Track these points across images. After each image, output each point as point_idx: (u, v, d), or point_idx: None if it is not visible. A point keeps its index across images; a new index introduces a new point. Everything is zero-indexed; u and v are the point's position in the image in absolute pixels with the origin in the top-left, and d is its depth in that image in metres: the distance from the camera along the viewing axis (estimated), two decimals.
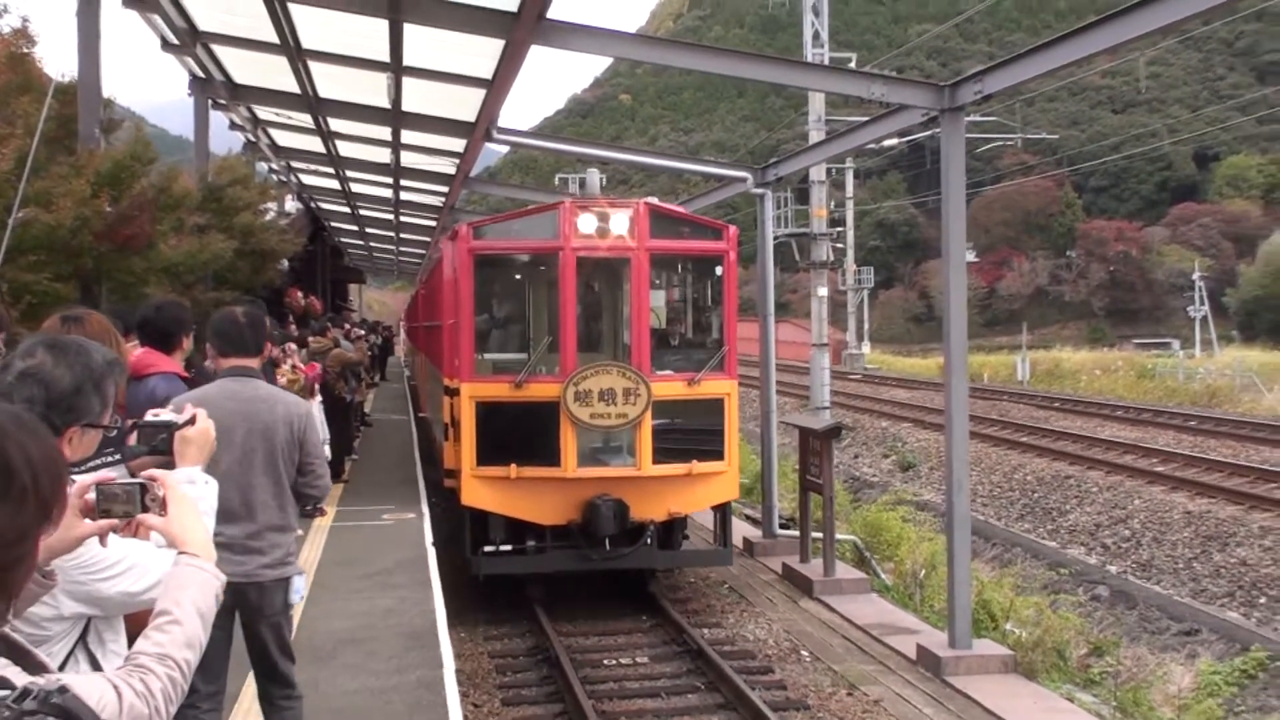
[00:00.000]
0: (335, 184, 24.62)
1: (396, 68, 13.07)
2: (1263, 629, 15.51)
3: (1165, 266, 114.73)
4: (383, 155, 19.55)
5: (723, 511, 14.19)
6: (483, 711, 10.54)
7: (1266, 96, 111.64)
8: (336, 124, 17.61)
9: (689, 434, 13.66)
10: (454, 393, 13.60)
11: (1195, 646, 15.03)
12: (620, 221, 13.13)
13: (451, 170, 19.74)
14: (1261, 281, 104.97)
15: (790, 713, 10.51)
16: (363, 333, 30.24)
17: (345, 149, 20.00)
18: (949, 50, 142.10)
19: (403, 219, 29.72)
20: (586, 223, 13.08)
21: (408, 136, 17.45)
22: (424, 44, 12.22)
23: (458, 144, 17.21)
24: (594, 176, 14.64)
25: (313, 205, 29.38)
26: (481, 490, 13.03)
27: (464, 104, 14.62)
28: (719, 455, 13.62)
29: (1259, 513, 20.07)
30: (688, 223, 14.32)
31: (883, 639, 12.62)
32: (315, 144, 19.66)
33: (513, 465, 12.91)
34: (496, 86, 12.85)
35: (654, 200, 14.23)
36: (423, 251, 38.09)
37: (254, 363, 6.37)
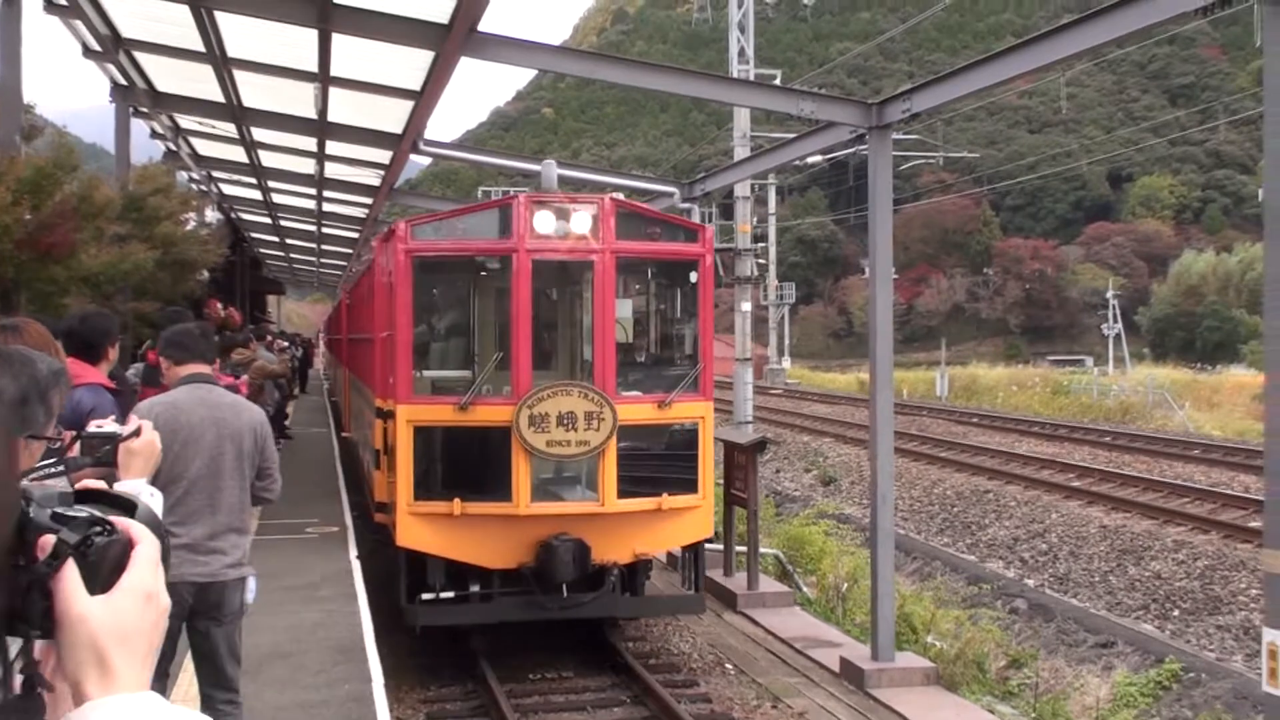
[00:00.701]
0: (257, 194, 24.40)
1: (324, 78, 12.99)
2: (1176, 641, 15.81)
3: (1079, 285, 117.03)
4: (307, 166, 19.41)
5: (695, 551, 12.58)
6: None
7: (1178, 119, 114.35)
8: (260, 134, 17.46)
9: (659, 463, 12.23)
10: (388, 415, 12.04)
11: (1111, 658, 15.27)
12: (582, 220, 11.49)
13: (376, 182, 19.64)
14: (1173, 300, 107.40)
15: None
16: (286, 344, 29.94)
17: (268, 159, 19.83)
18: (869, 69, 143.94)
19: (325, 230, 29.50)
20: (543, 221, 11.42)
21: (333, 147, 17.35)
22: (353, 54, 12.17)
23: (384, 155, 17.14)
24: (551, 169, 12.61)
25: (233, 215, 29.08)
26: (419, 529, 11.39)
27: (391, 115, 14.57)
28: (692, 487, 12.02)
29: (1173, 527, 20.46)
30: (659, 222, 12.53)
31: (806, 652, 12.71)
32: (238, 154, 19.46)
33: (456, 500, 11.26)
34: (425, 98, 12.83)
35: (620, 196, 12.68)
36: (344, 263, 37.85)
37: (209, 369, 6.60)
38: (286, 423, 25.32)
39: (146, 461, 3.74)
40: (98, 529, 1.39)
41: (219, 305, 22.76)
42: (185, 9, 11.43)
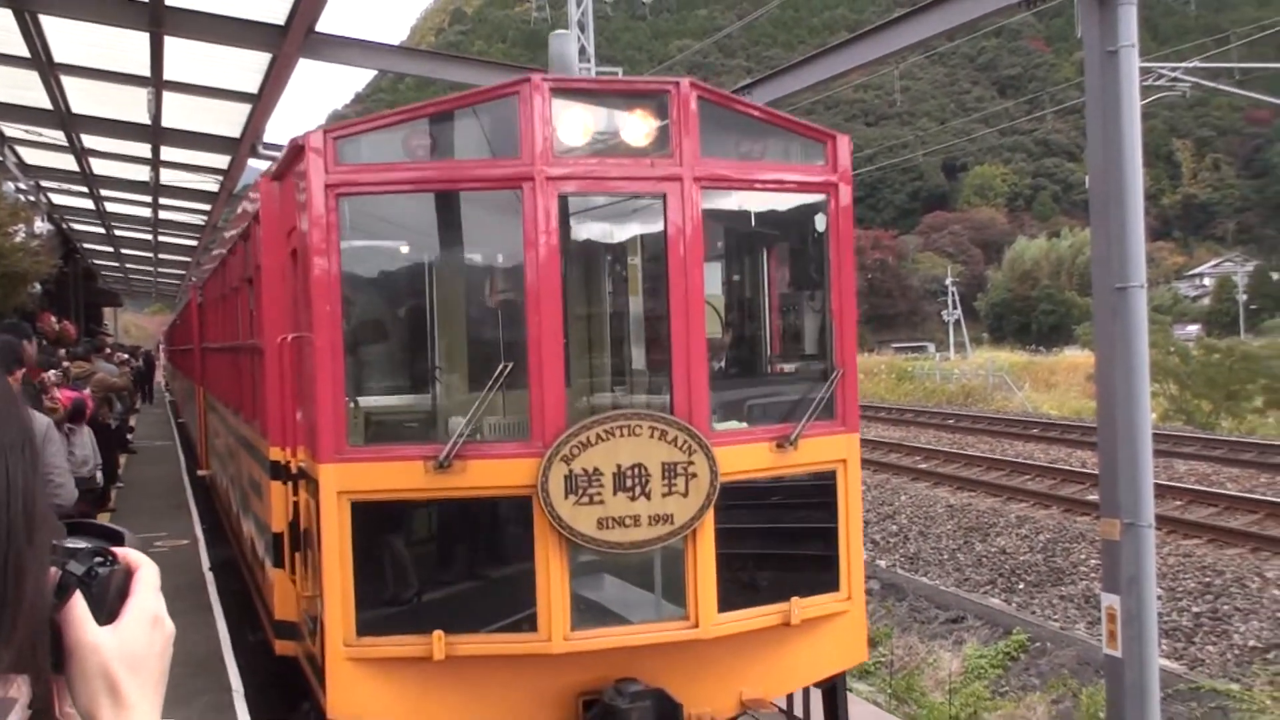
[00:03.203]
0: (89, 204, 23.71)
1: (157, 82, 12.69)
2: (1022, 613, 16.31)
3: (920, 273, 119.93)
4: (141, 173, 18.93)
5: (832, 688, 8.01)
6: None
7: (1007, 109, 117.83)
8: (91, 141, 16.98)
9: (780, 545, 7.67)
10: (297, 479, 7.63)
11: (962, 633, 15.70)
12: (643, 122, 6.84)
13: (214, 188, 19.24)
14: (1008, 285, 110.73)
15: None
16: (126, 356, 29.17)
17: (100, 167, 19.28)
18: (709, 65, 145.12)
19: (162, 239, 28.80)
20: (575, 123, 6.75)
21: (168, 153, 16.95)
22: (187, 58, 11.91)
23: (222, 160, 16.80)
24: (567, 43, 8.21)
25: (64, 226, 28.21)
26: (369, 687, 6.62)
27: (228, 119, 14.30)
28: (829, 580, 7.39)
29: (1015, 503, 21.13)
30: (769, 127, 7.46)
31: None
32: (68, 162, 18.89)
33: (436, 634, 6.44)
34: (263, 101, 12.63)
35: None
36: (183, 273, 36.94)
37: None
38: (130, 436, 24.68)
39: None
40: (100, 559, 1.37)
41: (52, 318, 22.09)
42: (7, 12, 11.07)
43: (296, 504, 7.58)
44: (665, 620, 6.94)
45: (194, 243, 27.94)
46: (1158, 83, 30.76)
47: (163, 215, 23.98)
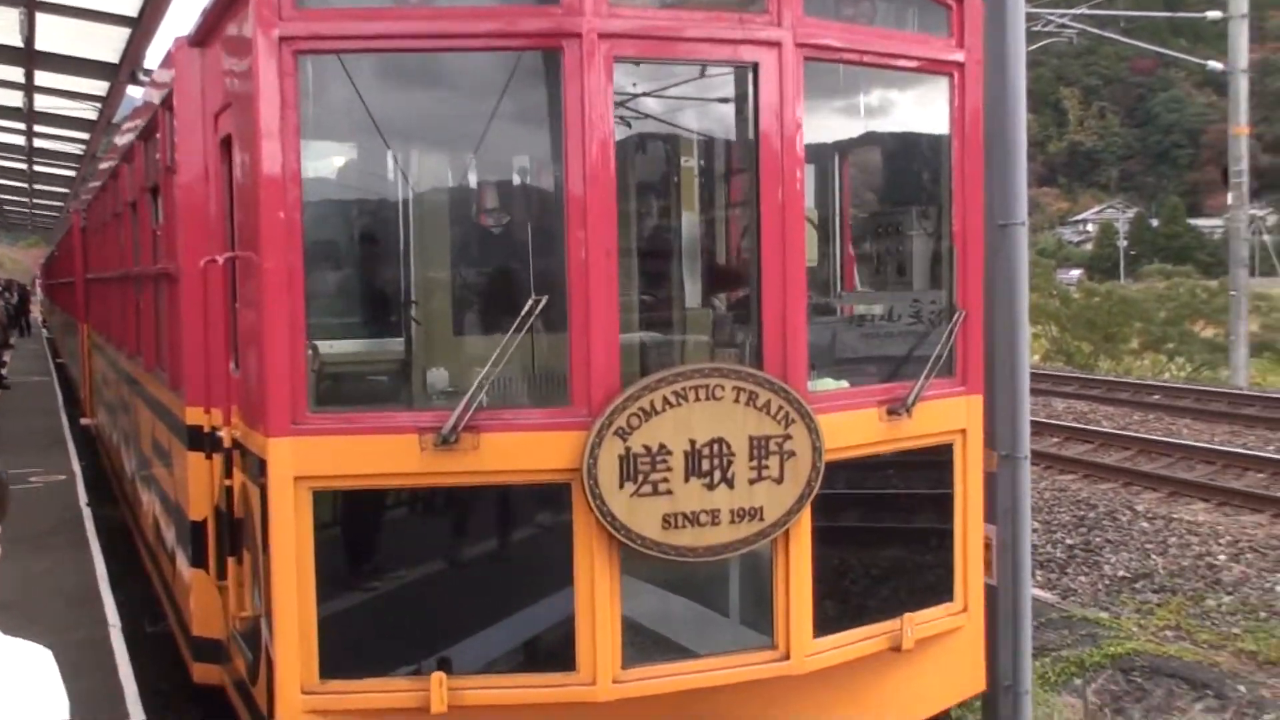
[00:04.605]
0: None
1: (29, 2, 12.28)
2: None
3: None
4: (14, 99, 18.34)
5: None
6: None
7: None
8: None
9: (887, 545, 6.09)
10: (231, 455, 5.87)
11: None
12: None
13: (94, 116, 18.71)
14: None
15: None
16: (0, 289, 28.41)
17: None
18: None
19: (37, 169, 27.98)
20: None
21: (42, 78, 16.43)
22: None
23: (100, 87, 16.32)
24: None
25: None
26: None
27: (107, 44, 13.87)
28: (943, 589, 6.05)
29: None
30: None
31: None
32: None
33: (435, 676, 4.85)
34: (144, 25, 12.26)
35: None
36: (61, 204, 35.93)
37: None
38: (3, 371, 24.13)
39: None
40: None
41: None
42: None
43: (229, 488, 5.84)
44: (744, 650, 5.33)
45: (73, 173, 27.22)
46: (1046, 29, 31.15)
47: (38, 144, 23.28)
